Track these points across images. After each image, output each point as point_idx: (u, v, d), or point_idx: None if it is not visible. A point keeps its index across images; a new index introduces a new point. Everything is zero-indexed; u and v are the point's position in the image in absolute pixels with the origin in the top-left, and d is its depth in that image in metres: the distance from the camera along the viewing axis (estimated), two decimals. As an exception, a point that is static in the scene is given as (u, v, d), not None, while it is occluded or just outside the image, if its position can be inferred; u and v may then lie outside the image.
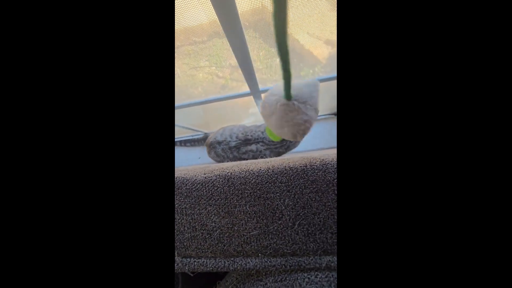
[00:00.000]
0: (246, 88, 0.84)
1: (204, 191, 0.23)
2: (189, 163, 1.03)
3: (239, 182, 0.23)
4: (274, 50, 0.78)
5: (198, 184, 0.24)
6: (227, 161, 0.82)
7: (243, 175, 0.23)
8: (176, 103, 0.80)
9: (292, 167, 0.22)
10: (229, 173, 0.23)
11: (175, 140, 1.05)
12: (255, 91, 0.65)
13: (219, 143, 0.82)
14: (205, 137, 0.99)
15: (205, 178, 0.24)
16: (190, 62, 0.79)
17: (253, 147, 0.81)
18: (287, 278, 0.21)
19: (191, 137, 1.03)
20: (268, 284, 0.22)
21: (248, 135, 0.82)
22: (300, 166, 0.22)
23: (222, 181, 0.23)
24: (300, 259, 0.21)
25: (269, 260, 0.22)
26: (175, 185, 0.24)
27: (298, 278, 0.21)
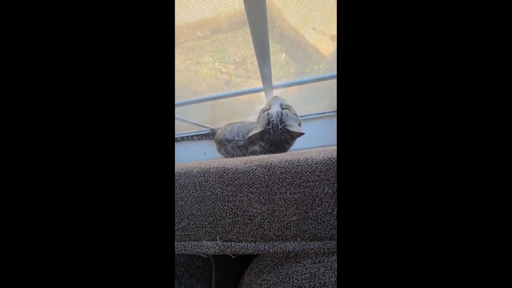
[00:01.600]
0: (250, 85, 0.84)
1: (245, 179, 0.25)
2: (195, 158, 1.04)
3: (279, 171, 0.24)
4: (279, 46, 0.79)
5: (240, 173, 0.25)
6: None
7: (283, 164, 0.24)
8: (184, 99, 0.80)
9: (330, 158, 0.23)
10: (269, 163, 0.25)
11: (182, 135, 1.05)
12: (267, 85, 0.66)
13: (229, 141, 0.83)
14: (212, 132, 1.00)
15: (246, 167, 0.25)
16: (193, 57, 0.79)
17: (257, 147, 0.82)
18: (325, 260, 0.23)
19: (196, 133, 1.04)
20: (307, 265, 0.23)
21: None
22: (339, 157, 0.23)
23: (262, 170, 0.24)
24: (338, 242, 0.23)
25: (307, 243, 0.23)
26: (217, 174, 0.25)
27: (336, 259, 0.23)
